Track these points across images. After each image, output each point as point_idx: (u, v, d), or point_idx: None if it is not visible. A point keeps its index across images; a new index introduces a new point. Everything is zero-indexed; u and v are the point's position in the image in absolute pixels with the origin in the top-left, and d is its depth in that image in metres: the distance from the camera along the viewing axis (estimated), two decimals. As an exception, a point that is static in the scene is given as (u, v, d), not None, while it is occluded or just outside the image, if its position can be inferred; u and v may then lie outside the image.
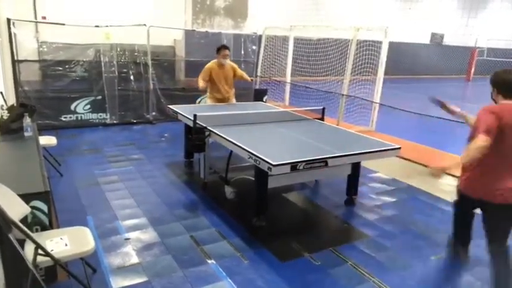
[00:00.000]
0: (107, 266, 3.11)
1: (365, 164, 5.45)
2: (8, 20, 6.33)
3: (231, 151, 4.12)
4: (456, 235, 3.17)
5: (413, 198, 4.85)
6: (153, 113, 7.94)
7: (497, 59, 19.68)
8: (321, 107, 5.32)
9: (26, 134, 3.87)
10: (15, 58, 6.66)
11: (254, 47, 9.38)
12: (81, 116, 7.34)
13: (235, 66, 6.11)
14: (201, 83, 5.76)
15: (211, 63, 5.86)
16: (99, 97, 7.43)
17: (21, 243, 2.32)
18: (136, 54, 8.32)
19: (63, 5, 10.41)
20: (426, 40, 21.06)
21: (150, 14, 10.45)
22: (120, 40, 8.48)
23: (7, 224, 2.17)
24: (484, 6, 22.14)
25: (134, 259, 3.24)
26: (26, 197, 2.50)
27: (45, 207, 2.62)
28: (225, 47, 5.85)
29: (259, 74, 10.36)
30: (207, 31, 10.83)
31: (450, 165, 2.63)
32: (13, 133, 3.87)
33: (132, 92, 7.79)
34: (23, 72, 7.07)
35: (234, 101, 6.21)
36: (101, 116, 7.51)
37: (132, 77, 7.96)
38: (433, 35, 21.37)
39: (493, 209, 2.67)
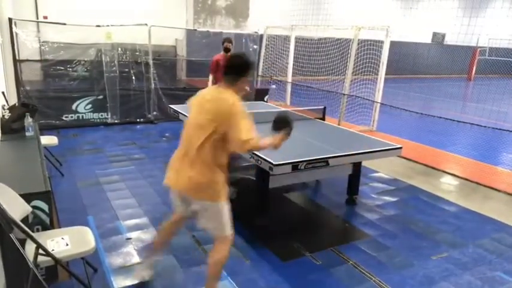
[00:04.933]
0: (108, 266, 3.12)
1: (366, 163, 5.44)
2: (10, 20, 6.33)
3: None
4: None
5: (414, 197, 4.84)
6: (154, 113, 7.94)
7: (499, 59, 19.64)
8: (322, 107, 5.31)
9: (27, 133, 3.87)
10: (17, 58, 6.66)
11: (255, 47, 9.37)
12: (82, 116, 7.34)
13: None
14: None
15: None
16: (101, 97, 7.43)
17: (22, 242, 2.32)
18: (137, 53, 8.33)
19: (65, 4, 10.45)
20: (427, 39, 21.03)
21: (152, 13, 10.48)
22: (122, 40, 8.51)
23: (8, 223, 2.18)
24: (485, 5, 22.08)
25: (135, 259, 3.24)
26: (27, 197, 2.51)
27: (46, 207, 2.62)
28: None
29: (260, 73, 10.36)
30: (208, 31, 10.86)
31: None
32: (14, 133, 3.88)
33: (133, 91, 7.79)
34: (25, 72, 7.09)
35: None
36: (102, 115, 7.51)
37: (133, 77, 7.96)
38: (435, 34, 21.33)
39: None
